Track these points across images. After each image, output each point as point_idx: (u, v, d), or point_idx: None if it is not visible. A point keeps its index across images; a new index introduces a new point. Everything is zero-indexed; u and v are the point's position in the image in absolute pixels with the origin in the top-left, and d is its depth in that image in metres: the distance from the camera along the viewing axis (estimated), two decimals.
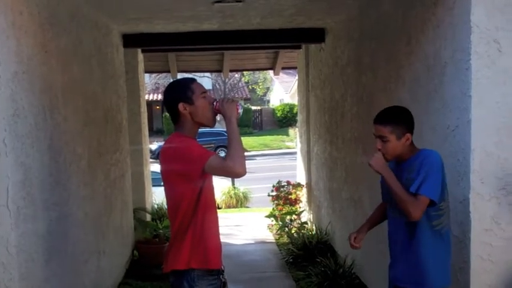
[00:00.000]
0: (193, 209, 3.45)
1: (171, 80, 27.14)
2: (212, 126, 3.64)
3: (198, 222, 3.48)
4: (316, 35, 8.38)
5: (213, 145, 29.27)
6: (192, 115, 3.51)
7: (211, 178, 3.56)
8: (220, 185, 14.63)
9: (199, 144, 3.48)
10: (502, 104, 3.76)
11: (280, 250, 9.23)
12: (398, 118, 3.53)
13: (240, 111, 3.54)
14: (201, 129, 3.70)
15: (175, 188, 3.48)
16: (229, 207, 14.57)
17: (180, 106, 3.48)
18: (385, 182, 3.51)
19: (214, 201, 3.67)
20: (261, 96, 50.15)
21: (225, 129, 3.63)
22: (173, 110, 3.53)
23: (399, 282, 3.64)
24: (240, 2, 5.93)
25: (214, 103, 3.55)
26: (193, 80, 3.61)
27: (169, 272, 3.57)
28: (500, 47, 3.73)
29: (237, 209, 14.55)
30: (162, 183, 3.59)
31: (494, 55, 3.73)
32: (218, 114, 3.60)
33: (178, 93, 3.54)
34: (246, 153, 3.57)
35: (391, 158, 3.57)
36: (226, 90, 40.08)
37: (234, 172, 3.30)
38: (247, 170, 3.40)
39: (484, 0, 3.71)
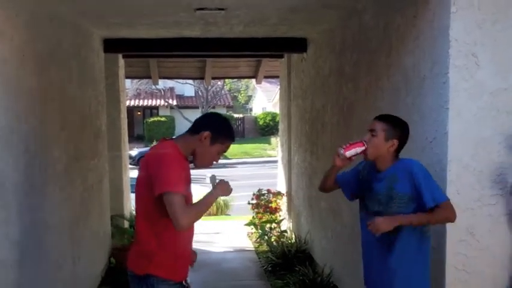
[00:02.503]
0: (160, 218, 3.46)
1: (153, 87, 26.94)
2: (195, 165, 3.69)
3: (165, 232, 3.51)
4: (298, 45, 8.39)
5: None
6: (199, 147, 3.59)
7: (187, 191, 3.54)
8: (200, 192, 14.49)
9: (182, 170, 3.49)
10: (478, 117, 3.80)
11: (259, 258, 9.21)
12: (396, 123, 3.63)
13: None
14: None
15: (146, 193, 3.49)
16: (209, 214, 14.49)
17: (206, 133, 3.56)
18: (410, 223, 3.50)
19: None
20: (244, 104, 50.20)
21: None
22: (200, 128, 3.60)
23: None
24: (222, 10, 5.92)
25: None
26: (233, 138, 3.74)
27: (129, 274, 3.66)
28: (478, 60, 3.77)
29: (217, 217, 14.51)
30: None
31: (472, 69, 3.77)
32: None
33: (218, 127, 3.64)
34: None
35: (372, 156, 3.64)
36: (209, 97, 40.02)
37: (179, 223, 3.29)
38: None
39: (462, 15, 3.75)
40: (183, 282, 3.71)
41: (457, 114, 3.78)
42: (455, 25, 3.75)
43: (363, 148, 3.61)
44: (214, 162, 3.71)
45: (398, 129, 3.61)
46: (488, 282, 3.94)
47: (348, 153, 3.63)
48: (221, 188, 3.59)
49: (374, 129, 3.61)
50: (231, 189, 3.62)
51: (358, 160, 3.85)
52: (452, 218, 3.47)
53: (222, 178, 3.71)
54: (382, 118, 3.66)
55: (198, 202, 3.48)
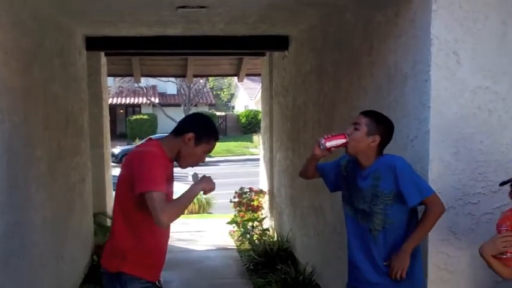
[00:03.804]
0: (139, 218, 3.47)
1: (136, 85, 26.73)
2: (180, 166, 3.69)
3: (142, 231, 3.51)
4: (280, 43, 8.40)
5: None
6: (184, 148, 3.57)
7: (167, 191, 3.55)
8: (183, 191, 14.45)
9: (165, 169, 3.47)
10: (460, 115, 3.83)
11: (241, 257, 9.19)
12: (380, 120, 3.64)
13: None
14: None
15: (126, 192, 3.47)
16: (191, 212, 14.46)
17: (190, 135, 3.54)
18: (417, 243, 3.55)
19: None
20: (226, 102, 50.11)
21: None
22: (183, 130, 3.58)
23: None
24: (204, 7, 5.92)
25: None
26: (218, 137, 3.72)
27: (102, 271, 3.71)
28: (459, 59, 3.80)
29: (199, 215, 14.48)
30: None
31: (453, 67, 3.80)
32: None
33: (201, 128, 3.62)
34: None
35: (352, 150, 3.64)
36: (191, 95, 39.92)
37: (160, 220, 3.26)
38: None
39: (443, 13, 3.77)
40: (156, 282, 3.72)
41: (439, 113, 3.80)
42: (436, 23, 3.77)
43: (344, 141, 3.62)
44: (201, 163, 3.72)
45: (382, 126, 3.61)
46: (470, 281, 3.97)
47: (329, 144, 3.65)
48: (204, 182, 3.56)
49: (358, 123, 3.62)
50: (214, 184, 3.57)
51: (341, 153, 3.87)
52: (443, 210, 3.51)
53: (205, 173, 3.69)
54: (367, 113, 3.68)
55: (179, 197, 3.46)
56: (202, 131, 3.59)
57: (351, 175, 3.77)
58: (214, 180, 3.59)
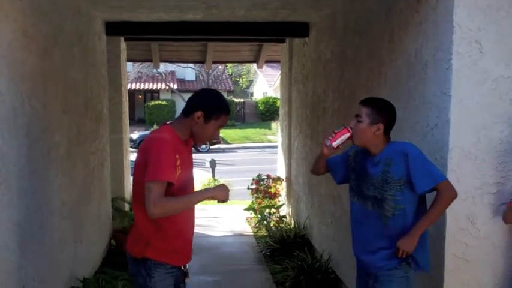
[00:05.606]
0: None
1: (155, 70, 26.60)
2: (196, 145, 3.68)
3: (161, 218, 3.48)
4: (300, 29, 8.37)
5: None
6: (195, 127, 3.57)
7: (186, 176, 3.57)
8: (201, 177, 14.58)
9: (176, 154, 3.45)
10: (481, 104, 3.79)
11: (258, 243, 9.24)
12: (380, 107, 3.65)
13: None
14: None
15: (141, 178, 3.47)
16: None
17: (198, 114, 3.53)
18: (427, 227, 3.56)
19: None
20: (244, 88, 50.06)
21: None
22: (191, 109, 3.57)
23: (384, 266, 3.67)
24: None
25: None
26: (228, 111, 3.68)
27: (128, 257, 3.69)
28: (482, 47, 3.75)
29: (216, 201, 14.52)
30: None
31: (475, 55, 3.76)
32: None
33: (209, 104, 3.59)
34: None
35: (359, 142, 3.69)
36: (210, 81, 39.94)
37: (150, 210, 3.30)
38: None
39: (467, 1, 3.73)
40: (182, 267, 3.73)
41: (459, 101, 3.77)
42: (459, 11, 3.73)
43: (349, 134, 3.67)
44: (217, 143, 3.71)
45: (383, 112, 3.63)
46: (488, 270, 3.95)
47: (335, 144, 3.72)
48: (219, 190, 3.57)
49: (359, 115, 3.65)
50: (228, 196, 3.55)
51: (349, 145, 3.87)
52: (455, 195, 3.51)
53: (224, 183, 3.66)
54: (367, 103, 3.68)
55: (184, 196, 3.48)
56: (210, 108, 3.56)
57: (359, 164, 3.79)
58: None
